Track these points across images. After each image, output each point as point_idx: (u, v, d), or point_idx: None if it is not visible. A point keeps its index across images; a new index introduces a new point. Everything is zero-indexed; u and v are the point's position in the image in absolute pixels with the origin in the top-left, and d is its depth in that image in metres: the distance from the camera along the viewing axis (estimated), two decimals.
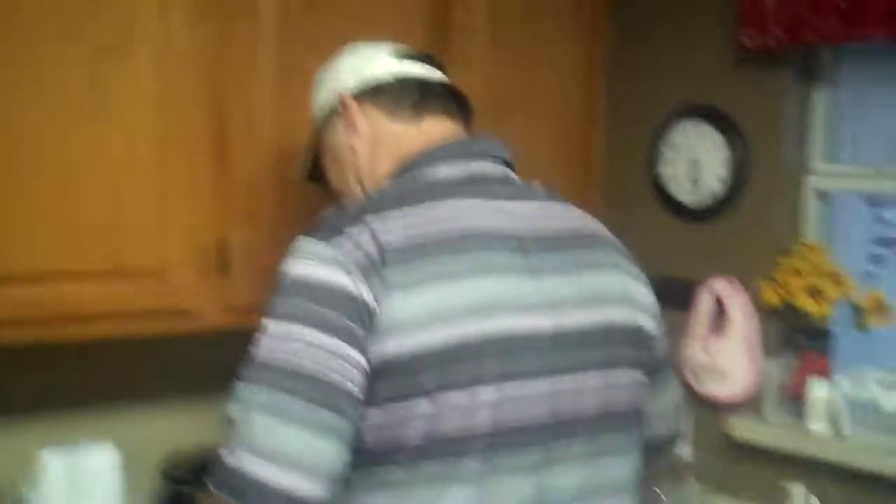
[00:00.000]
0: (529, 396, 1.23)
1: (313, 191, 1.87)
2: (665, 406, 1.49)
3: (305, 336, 1.14)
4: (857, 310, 2.24)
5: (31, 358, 1.92)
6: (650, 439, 1.44)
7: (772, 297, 2.28)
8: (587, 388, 1.28)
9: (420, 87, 1.45)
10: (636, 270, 1.42)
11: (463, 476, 1.19)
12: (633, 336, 1.35)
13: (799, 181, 2.39)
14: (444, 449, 1.17)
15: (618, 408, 1.32)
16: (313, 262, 1.18)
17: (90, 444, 1.91)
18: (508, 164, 1.41)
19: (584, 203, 2.47)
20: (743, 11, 2.28)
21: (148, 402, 2.12)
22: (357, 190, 1.43)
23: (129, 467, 1.93)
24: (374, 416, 1.15)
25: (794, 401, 2.26)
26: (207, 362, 2.01)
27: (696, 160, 2.45)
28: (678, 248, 2.48)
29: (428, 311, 1.17)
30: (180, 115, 1.79)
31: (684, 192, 2.47)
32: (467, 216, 1.26)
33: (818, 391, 2.19)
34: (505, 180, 1.37)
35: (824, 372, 2.23)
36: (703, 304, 2.38)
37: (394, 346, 1.15)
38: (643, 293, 1.41)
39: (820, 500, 2.12)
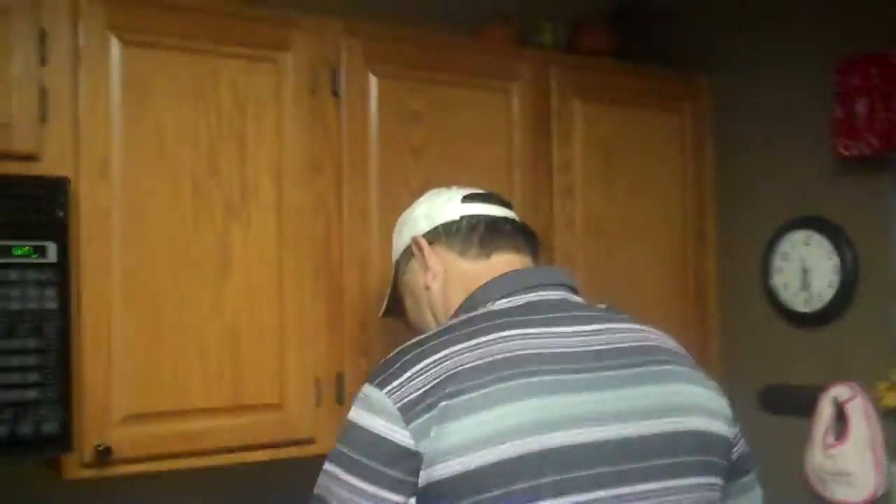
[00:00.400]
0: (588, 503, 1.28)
1: None
2: None
3: (350, 482, 1.27)
4: None
5: (174, 488, 2.14)
6: None
7: (891, 399, 2.27)
8: (651, 496, 1.32)
9: (486, 225, 1.56)
10: (705, 379, 1.46)
11: None
12: (702, 443, 1.39)
13: None
14: None
15: None
16: (360, 409, 1.30)
17: None
18: (572, 289, 1.50)
19: (700, 320, 2.61)
20: (837, 122, 2.36)
21: None
22: (433, 324, 1.55)
23: None
24: None
25: None
26: None
27: (807, 268, 2.49)
28: (795, 356, 2.51)
29: (479, 435, 1.24)
30: (297, 266, 1.98)
31: (797, 301, 2.51)
32: (522, 344, 1.33)
33: None
34: (565, 305, 1.44)
35: None
36: (824, 411, 2.38)
37: (442, 470, 1.23)
38: (714, 400, 1.44)
39: None
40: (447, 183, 1.73)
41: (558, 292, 1.48)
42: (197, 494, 2.19)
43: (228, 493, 2.23)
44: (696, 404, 1.41)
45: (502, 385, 1.29)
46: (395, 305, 1.69)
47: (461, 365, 1.30)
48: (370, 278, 2.07)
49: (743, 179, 2.64)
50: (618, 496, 1.30)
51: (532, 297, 1.45)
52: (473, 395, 1.27)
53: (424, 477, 1.24)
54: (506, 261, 1.53)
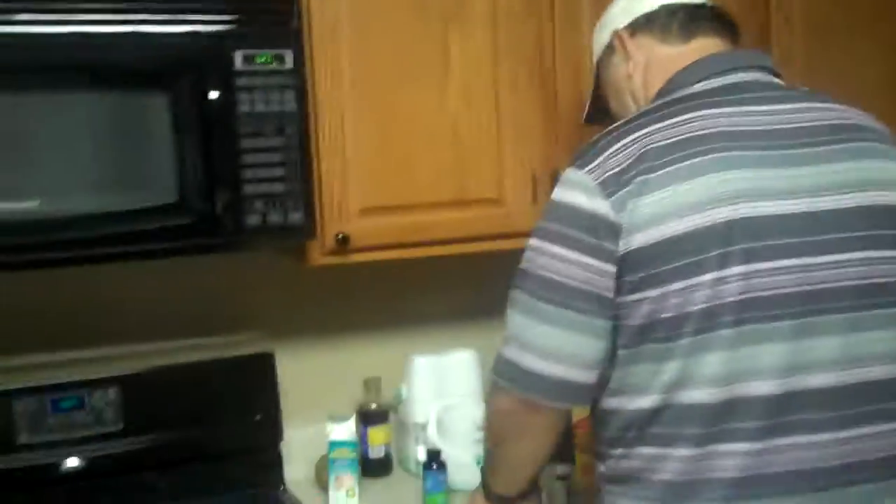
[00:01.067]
0: (778, 271, 1.36)
1: None
2: None
3: (553, 251, 1.41)
4: None
5: (401, 277, 2.36)
6: None
7: None
8: (844, 265, 1.39)
9: (685, 11, 1.61)
10: None
11: (716, 345, 1.35)
12: None
13: None
14: (696, 321, 1.35)
15: (880, 283, 1.41)
16: (561, 188, 1.44)
17: (455, 351, 2.31)
18: (772, 71, 1.55)
19: None
20: None
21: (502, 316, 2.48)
22: (635, 112, 1.61)
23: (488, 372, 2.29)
24: (636, 300, 1.37)
25: None
26: None
27: None
28: None
29: (672, 206, 1.35)
30: (511, 67, 2.08)
31: None
32: (714, 122, 1.42)
33: None
34: (761, 86, 1.51)
35: None
36: None
37: (641, 239, 1.35)
38: None
39: None
40: None
41: (756, 74, 1.53)
42: (423, 283, 2.41)
43: (451, 281, 2.44)
44: (893, 179, 1.45)
45: (694, 160, 1.38)
46: (599, 109, 1.77)
47: (655, 143, 1.40)
48: (583, 81, 2.14)
49: None
50: (807, 265, 1.37)
51: (729, 78, 1.51)
52: (667, 170, 1.37)
53: (623, 245, 1.36)
54: (705, 45, 1.58)
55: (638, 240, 1.36)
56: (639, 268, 1.37)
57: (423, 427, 2.24)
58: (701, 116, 1.43)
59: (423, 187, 2.05)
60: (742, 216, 1.36)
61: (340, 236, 1.96)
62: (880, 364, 1.41)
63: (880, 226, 1.43)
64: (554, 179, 2.12)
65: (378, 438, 2.27)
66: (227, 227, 1.81)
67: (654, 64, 1.61)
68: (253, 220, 1.82)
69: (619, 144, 1.42)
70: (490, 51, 2.07)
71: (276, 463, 2.22)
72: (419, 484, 2.15)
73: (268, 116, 1.81)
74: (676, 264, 1.35)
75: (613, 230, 1.37)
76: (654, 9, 1.63)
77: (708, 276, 1.35)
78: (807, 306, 1.38)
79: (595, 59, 1.75)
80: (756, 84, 1.51)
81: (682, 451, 1.39)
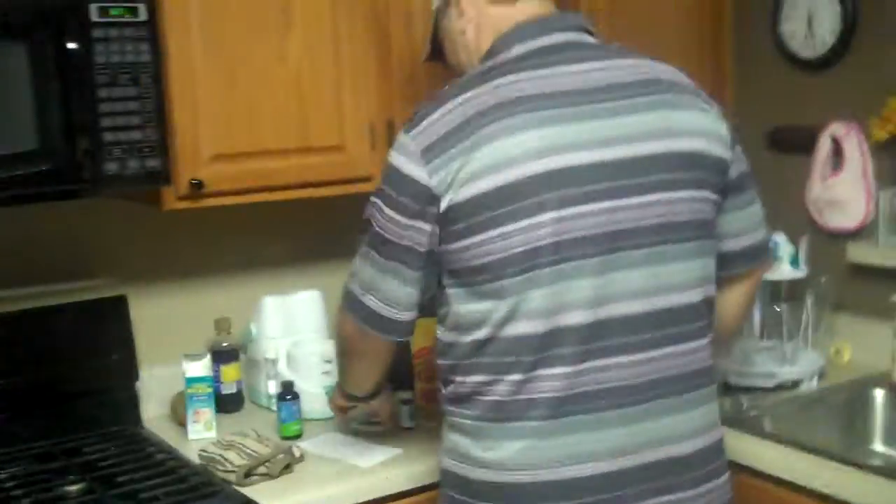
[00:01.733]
0: (587, 215, 1.54)
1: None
2: (742, 223, 1.76)
3: (386, 212, 1.61)
4: None
5: (249, 222, 2.48)
6: (731, 251, 1.76)
7: (880, 133, 2.52)
8: (647, 206, 1.58)
9: None
10: (704, 105, 1.67)
11: (537, 282, 1.54)
12: (696, 161, 1.62)
13: None
14: (518, 262, 1.54)
15: (678, 222, 1.61)
16: (394, 151, 1.61)
17: (301, 291, 2.45)
18: (587, 31, 1.70)
19: (717, 68, 2.83)
20: None
21: (346, 257, 2.62)
22: (468, 67, 1.75)
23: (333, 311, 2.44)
24: (462, 247, 1.55)
25: None
26: None
27: (812, 16, 2.70)
28: (800, 99, 2.74)
29: (491, 162, 1.52)
30: (349, 20, 2.21)
31: (803, 47, 2.72)
32: (532, 84, 1.57)
33: None
34: (575, 46, 1.66)
35: None
36: (823, 147, 2.65)
37: (464, 193, 1.53)
38: (710, 124, 1.66)
39: None
40: None
41: (572, 34, 1.68)
42: (272, 227, 2.54)
43: (296, 225, 2.57)
44: (691, 128, 1.63)
45: (512, 120, 1.54)
46: (437, 50, 1.90)
47: (477, 107, 1.56)
48: (415, 30, 2.28)
49: None
50: (613, 207, 1.56)
51: (547, 40, 1.66)
52: (486, 130, 1.54)
53: (445, 204, 1.55)
54: (529, 6, 1.71)
55: (461, 195, 1.54)
56: (461, 219, 1.55)
57: (274, 362, 2.37)
58: (518, 79, 1.59)
59: (268, 135, 2.16)
60: (555, 167, 1.53)
61: (194, 182, 2.06)
62: (678, 292, 1.62)
63: (676, 170, 1.61)
64: (389, 127, 2.29)
65: (230, 375, 2.39)
66: (87, 174, 1.88)
67: (484, 23, 1.74)
68: (111, 167, 1.90)
69: (443, 109, 1.58)
70: (329, 5, 2.19)
71: (132, 402, 2.31)
72: (270, 416, 2.30)
73: (123, 67, 1.89)
74: (496, 212, 1.53)
75: (432, 195, 1.56)
76: None
77: (525, 222, 1.53)
78: (613, 244, 1.56)
79: (434, 4, 1.85)
80: (570, 45, 1.66)
81: (512, 377, 1.58)
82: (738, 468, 2.05)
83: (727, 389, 2.40)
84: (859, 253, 2.57)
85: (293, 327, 2.42)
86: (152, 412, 2.36)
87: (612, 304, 1.57)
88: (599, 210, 1.56)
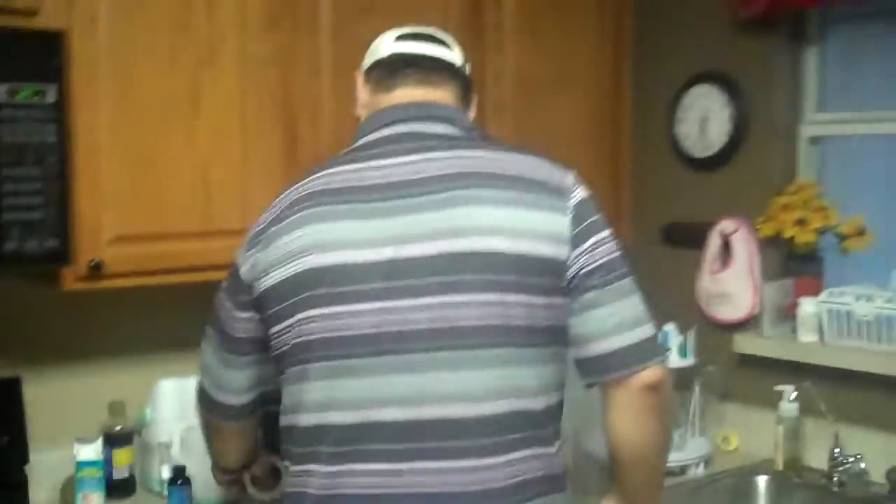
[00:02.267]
0: (355, 314, 1.50)
1: None
2: (593, 328, 1.56)
3: (221, 298, 1.71)
4: (840, 237, 2.60)
5: (148, 304, 2.46)
6: (583, 359, 1.58)
7: (767, 230, 2.65)
8: (419, 310, 1.49)
9: (405, 61, 1.67)
10: (533, 201, 1.53)
11: (309, 376, 1.55)
12: (497, 262, 1.50)
13: (794, 129, 2.75)
14: (294, 354, 1.57)
15: (462, 327, 1.49)
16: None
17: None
18: (445, 119, 1.62)
19: (614, 166, 2.95)
20: None
21: None
22: None
23: None
24: (272, 333, 1.60)
25: (790, 318, 2.64)
26: None
27: (705, 118, 2.84)
28: (693, 197, 2.87)
29: (279, 255, 1.56)
30: (258, 111, 2.25)
31: (696, 148, 2.86)
32: (344, 177, 1.57)
33: (806, 307, 2.56)
34: (414, 137, 1.59)
35: (815, 292, 2.60)
36: (713, 242, 2.77)
37: (260, 287, 1.59)
38: (533, 221, 1.52)
39: (807, 396, 2.49)
40: None
41: (418, 124, 1.62)
42: (171, 309, 2.53)
43: (196, 308, 2.56)
44: (497, 226, 1.51)
45: (304, 213, 1.56)
46: None
47: (295, 196, 1.60)
48: (322, 125, 2.35)
49: (655, 39, 2.95)
50: (383, 309, 1.50)
51: (388, 130, 1.62)
52: (286, 221, 1.58)
53: (255, 292, 1.62)
54: (403, 94, 1.66)
55: (262, 285, 1.60)
56: (266, 307, 1.60)
57: (168, 446, 2.34)
58: (334, 171, 1.59)
59: (173, 217, 2.18)
60: (326, 264, 1.52)
61: (93, 263, 2.05)
62: (452, 403, 1.49)
63: (459, 271, 1.50)
64: None
65: (122, 459, 2.34)
66: None
67: (367, 109, 1.71)
68: (10, 245, 1.90)
69: (281, 196, 1.64)
70: (238, 95, 2.23)
71: (21, 486, 2.24)
72: (162, 502, 2.27)
73: (28, 147, 1.90)
74: (281, 305, 1.57)
75: (245, 284, 1.63)
76: (383, 56, 1.70)
77: (298, 316, 1.55)
78: (382, 346, 1.50)
79: None
80: (410, 135, 1.60)
81: (291, 466, 1.60)
82: None
83: None
84: (745, 344, 2.68)
85: (189, 411, 2.38)
86: (42, 496, 2.30)
87: (376, 408, 1.51)
88: (368, 311, 1.51)
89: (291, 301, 1.56)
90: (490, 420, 1.49)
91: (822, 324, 2.53)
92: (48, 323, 2.37)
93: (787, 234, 2.59)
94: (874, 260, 2.64)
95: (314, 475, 1.54)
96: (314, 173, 1.63)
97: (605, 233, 1.59)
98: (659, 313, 2.63)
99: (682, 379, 2.65)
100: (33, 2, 1.93)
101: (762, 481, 2.52)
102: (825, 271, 2.68)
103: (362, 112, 1.72)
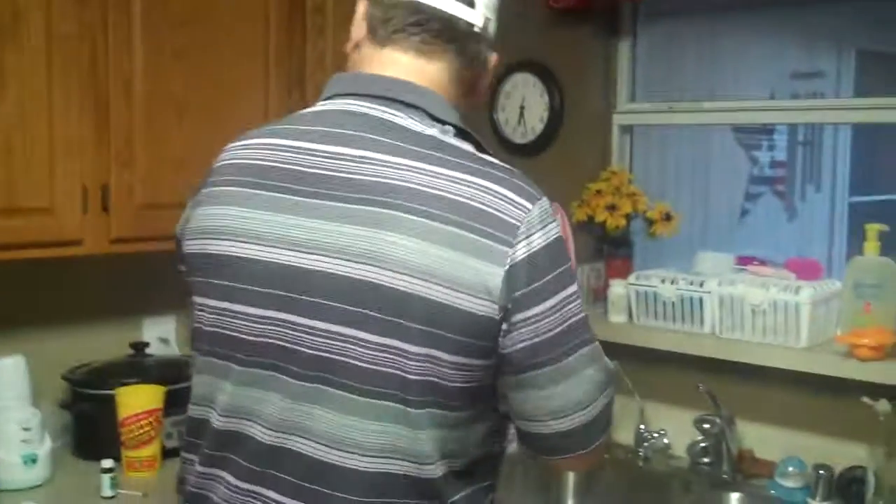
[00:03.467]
0: (244, 316, 1.33)
1: (178, 139, 2.34)
2: (530, 410, 1.32)
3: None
4: (649, 222, 2.71)
5: None
6: (518, 429, 1.37)
7: (580, 214, 2.75)
8: (310, 331, 1.29)
9: (410, 14, 1.36)
10: (483, 246, 1.24)
11: (197, 366, 1.43)
12: (407, 307, 1.25)
13: (607, 118, 2.86)
14: (194, 338, 1.43)
15: (332, 360, 1.28)
16: None
17: (2, 357, 2.36)
18: (407, 105, 1.35)
19: None
20: None
21: (53, 322, 2.56)
22: None
23: (37, 377, 2.35)
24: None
25: (601, 299, 2.74)
26: (100, 287, 2.56)
27: (524, 106, 2.91)
28: None
29: (197, 226, 1.39)
30: (64, 84, 2.19)
31: (515, 134, 2.93)
32: (275, 155, 1.35)
33: (616, 289, 2.66)
34: (358, 122, 1.34)
35: (625, 275, 2.70)
36: None
37: (187, 248, 1.41)
38: (471, 272, 1.24)
39: (616, 374, 2.58)
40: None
41: (382, 109, 1.35)
42: None
43: (3, 289, 2.49)
44: (413, 263, 1.24)
45: (229, 188, 1.37)
46: None
47: (225, 161, 1.41)
48: (135, 95, 2.30)
49: None
50: (280, 320, 1.31)
51: (347, 106, 1.37)
52: (210, 190, 1.40)
53: (182, 251, 1.43)
54: (390, 58, 1.39)
55: (186, 248, 1.42)
56: (189, 274, 1.43)
57: None
58: (273, 145, 1.37)
59: None
60: (222, 253, 1.35)
61: None
62: (321, 445, 1.30)
63: (364, 304, 1.26)
64: (104, 192, 2.28)
65: None
66: None
67: (353, 55, 1.44)
68: None
69: (227, 150, 1.43)
70: (45, 70, 2.16)
71: None
72: None
73: None
74: (193, 278, 1.41)
75: (177, 240, 1.46)
76: None
77: (198, 300, 1.40)
78: (265, 359, 1.33)
79: None
80: (366, 120, 1.34)
81: (182, 452, 1.48)
82: None
83: None
84: None
85: None
86: None
87: (245, 421, 1.35)
88: (257, 317, 1.33)
89: (196, 280, 1.40)
90: (362, 477, 1.29)
91: (631, 305, 2.63)
92: None
93: (600, 218, 2.69)
94: (680, 244, 2.76)
95: (194, 470, 1.43)
96: (255, 135, 1.41)
97: (562, 294, 1.30)
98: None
99: None
100: None
101: None
102: (635, 255, 2.79)
103: (350, 54, 1.44)
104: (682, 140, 2.91)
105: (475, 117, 2.97)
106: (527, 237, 1.27)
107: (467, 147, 1.36)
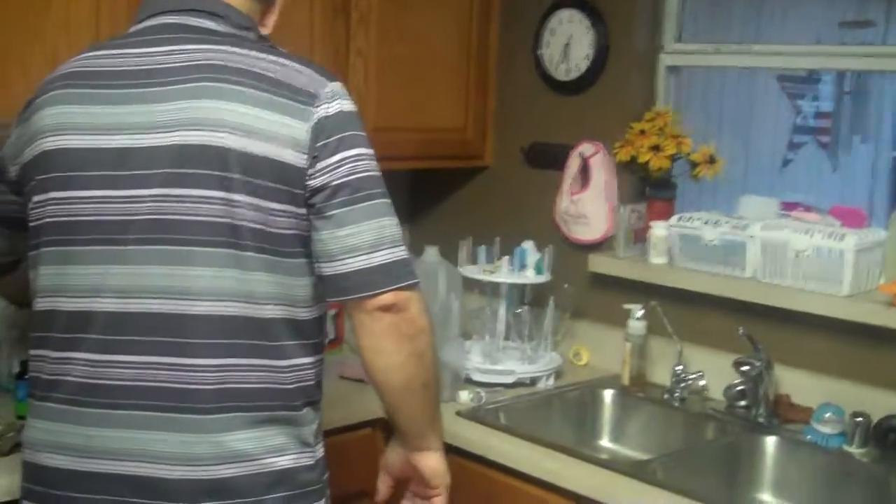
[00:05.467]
0: (83, 200, 1.51)
1: None
2: (331, 248, 1.52)
3: None
4: (693, 164, 2.69)
5: None
6: (322, 275, 1.54)
7: (623, 154, 2.72)
8: (138, 200, 1.48)
9: None
10: (291, 107, 1.50)
11: (42, 260, 1.56)
12: (232, 160, 1.46)
13: (653, 58, 2.82)
14: (31, 237, 1.58)
15: (166, 220, 1.47)
16: None
17: None
18: (214, 15, 1.57)
19: (480, 83, 2.97)
20: None
21: None
22: None
23: None
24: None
25: (643, 240, 2.72)
26: None
27: (568, 43, 2.87)
28: (555, 119, 2.91)
29: (29, 131, 1.57)
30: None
31: (559, 71, 2.90)
32: (99, 62, 1.56)
33: (658, 230, 2.64)
34: (174, 28, 1.56)
35: (667, 216, 2.68)
36: (572, 164, 2.82)
37: (18, 164, 1.60)
38: (281, 126, 1.49)
39: (655, 316, 2.58)
40: None
41: (187, 17, 1.57)
42: None
43: None
44: (229, 121, 1.47)
45: (52, 94, 1.56)
46: None
47: (52, 76, 1.60)
48: None
49: None
50: (107, 197, 1.50)
51: (157, 21, 1.59)
52: (39, 100, 1.58)
53: (15, 168, 1.62)
54: None
55: (19, 163, 1.60)
56: (22, 186, 1.60)
57: (18, 340, 2.29)
58: (94, 56, 1.59)
59: (16, 108, 2.08)
60: (59, 147, 1.53)
61: None
62: (161, 298, 1.48)
63: (187, 165, 1.47)
64: None
65: None
66: None
67: None
68: None
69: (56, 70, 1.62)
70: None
71: None
72: (9, 397, 2.23)
73: None
74: (27, 186, 1.58)
75: (7, 158, 1.64)
76: None
77: (35, 198, 1.56)
78: (102, 235, 1.50)
79: None
80: (171, 26, 1.57)
81: (30, 350, 1.60)
82: (471, 457, 2.16)
83: (469, 384, 2.52)
84: (599, 263, 2.75)
85: None
86: None
87: (97, 298, 1.51)
88: (94, 197, 1.51)
89: (33, 183, 1.56)
90: (202, 320, 1.48)
91: (672, 247, 2.62)
92: None
93: (643, 159, 2.66)
94: (724, 187, 2.74)
95: (46, 360, 1.55)
96: (80, 53, 1.62)
97: (358, 150, 1.54)
98: (519, 232, 2.72)
99: (538, 296, 2.73)
100: None
101: (608, 395, 2.61)
102: (677, 197, 2.76)
103: None
104: (726, 83, 2.86)
105: (519, 53, 2.97)
106: (326, 102, 1.52)
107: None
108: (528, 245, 2.69)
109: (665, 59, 2.82)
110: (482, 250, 2.71)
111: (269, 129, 1.49)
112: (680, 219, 2.61)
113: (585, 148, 2.80)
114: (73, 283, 1.52)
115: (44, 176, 1.54)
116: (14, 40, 2.07)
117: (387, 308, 1.53)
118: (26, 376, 2.02)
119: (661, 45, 2.82)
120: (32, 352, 1.59)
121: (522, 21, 2.97)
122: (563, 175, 2.84)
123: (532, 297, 2.73)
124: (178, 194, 1.47)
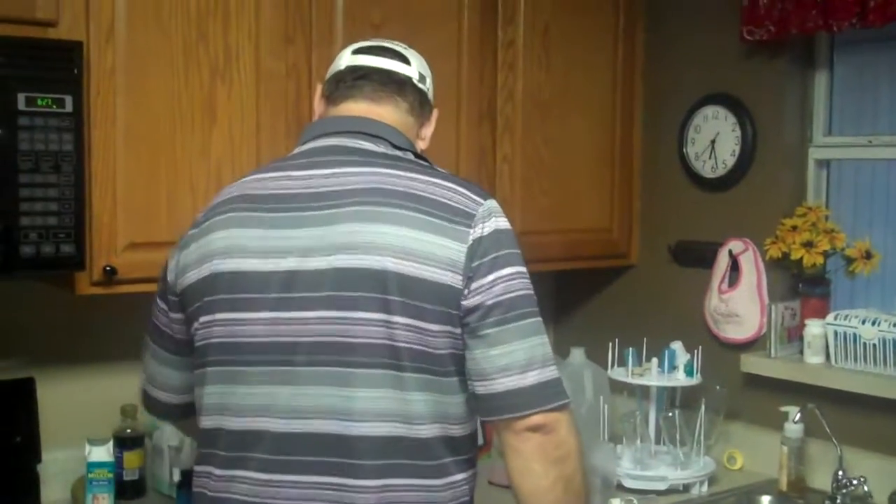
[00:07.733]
0: (253, 321, 1.54)
1: None
2: (483, 367, 1.53)
3: (156, 302, 1.74)
4: (848, 260, 2.62)
5: None
6: (475, 394, 1.55)
7: (774, 251, 2.67)
8: (306, 322, 1.51)
9: (357, 75, 1.68)
10: (447, 228, 1.52)
11: (211, 379, 1.59)
12: (387, 282, 1.49)
13: (802, 152, 2.78)
14: (197, 356, 1.62)
15: (328, 342, 1.50)
16: None
17: None
18: (370, 135, 1.63)
19: (625, 185, 2.99)
20: (743, 9, 2.69)
21: None
22: None
23: None
24: (193, 330, 1.63)
25: (797, 339, 2.65)
26: None
27: (714, 139, 2.86)
28: (702, 216, 2.89)
29: (195, 257, 1.61)
30: (272, 121, 2.30)
31: (706, 168, 2.88)
32: (261, 185, 1.61)
33: (813, 329, 2.58)
34: (337, 150, 1.61)
35: (822, 314, 2.61)
36: (721, 262, 2.79)
37: (180, 287, 1.64)
38: (439, 248, 1.51)
39: (812, 418, 2.50)
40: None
41: (347, 139, 1.63)
42: None
43: None
44: (388, 244, 1.50)
45: (218, 218, 1.61)
46: None
47: (216, 200, 1.65)
48: None
49: (666, 61, 2.98)
50: (277, 319, 1.53)
51: (318, 143, 1.65)
52: (204, 225, 1.63)
53: (177, 289, 1.65)
54: (346, 108, 1.68)
55: (181, 284, 1.64)
56: (186, 308, 1.64)
57: (178, 450, 2.39)
58: (259, 178, 1.63)
59: (184, 226, 2.21)
60: (230, 270, 1.56)
61: (108, 268, 2.10)
62: (328, 419, 1.50)
63: (350, 287, 1.50)
64: None
65: (133, 462, 2.39)
66: (3, 256, 1.93)
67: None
68: (27, 250, 1.95)
69: (220, 194, 1.68)
70: (253, 103, 2.28)
71: (33, 484, 2.30)
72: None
73: (46, 154, 1.95)
74: (192, 308, 1.62)
75: (170, 284, 1.67)
76: (340, 69, 1.72)
77: (202, 319, 1.59)
78: (271, 356, 1.53)
79: None
80: (335, 149, 1.62)
81: (195, 467, 1.63)
82: None
83: (620, 490, 2.47)
84: (752, 364, 2.69)
85: None
86: (53, 496, 2.35)
87: (258, 418, 1.54)
88: (265, 319, 1.54)
89: (198, 304, 1.60)
90: (364, 441, 1.49)
91: (829, 346, 2.54)
92: (63, 326, 2.42)
93: (795, 255, 2.61)
94: (880, 283, 2.65)
95: (211, 477, 1.58)
96: (243, 178, 1.67)
97: (511, 269, 1.54)
98: (666, 331, 2.68)
99: (688, 397, 2.68)
100: (52, 14, 1.99)
101: (766, 501, 2.53)
102: (832, 293, 2.69)
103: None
104: (880, 174, 2.78)
105: (663, 152, 2.97)
106: (482, 223, 1.54)
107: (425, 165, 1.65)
108: (677, 346, 2.65)
109: (814, 153, 2.78)
110: (630, 352, 2.69)
111: (427, 251, 1.51)
112: (836, 317, 2.54)
113: (734, 245, 2.76)
114: (239, 402, 1.55)
115: (211, 298, 1.58)
116: (182, 159, 2.21)
117: (535, 429, 1.52)
118: (186, 489, 2.10)
119: (810, 138, 2.78)
120: (197, 467, 1.63)
121: (666, 119, 2.98)
122: (712, 273, 2.81)
123: (682, 400, 2.68)
124: (340, 317, 1.50)
